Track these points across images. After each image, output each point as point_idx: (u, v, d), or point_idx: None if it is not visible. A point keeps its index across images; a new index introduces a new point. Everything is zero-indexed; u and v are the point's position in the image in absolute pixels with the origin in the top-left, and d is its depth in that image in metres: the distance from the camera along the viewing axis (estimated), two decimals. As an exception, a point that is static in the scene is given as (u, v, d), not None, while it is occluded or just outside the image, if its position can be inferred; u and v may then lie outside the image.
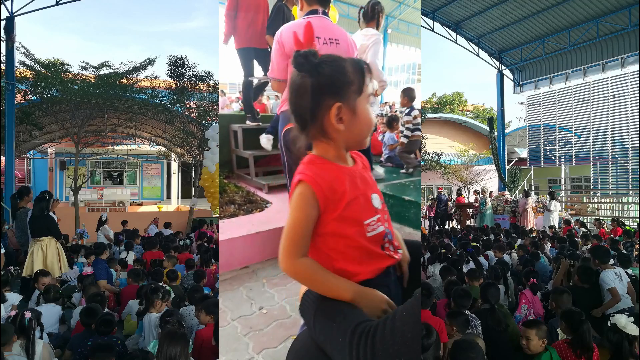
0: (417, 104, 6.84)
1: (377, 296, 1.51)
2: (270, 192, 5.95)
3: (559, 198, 15.31)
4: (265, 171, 6.76)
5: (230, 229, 4.44)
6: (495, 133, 17.60)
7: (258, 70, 6.72)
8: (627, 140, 13.78)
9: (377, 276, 1.61)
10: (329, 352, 1.38)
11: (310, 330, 1.51)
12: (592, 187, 16.75)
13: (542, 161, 16.70)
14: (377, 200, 1.69)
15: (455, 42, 16.89)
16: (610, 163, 14.52)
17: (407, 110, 6.58)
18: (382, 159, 7.51)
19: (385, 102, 12.54)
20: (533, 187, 18.59)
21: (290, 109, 1.61)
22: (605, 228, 10.72)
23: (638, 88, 12.76)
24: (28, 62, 12.09)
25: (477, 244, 7.09)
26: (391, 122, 7.62)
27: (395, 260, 1.69)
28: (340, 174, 1.61)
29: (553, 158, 16.31)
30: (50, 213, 6.19)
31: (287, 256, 1.56)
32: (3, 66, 10.55)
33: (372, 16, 5.05)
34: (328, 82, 1.52)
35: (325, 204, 1.55)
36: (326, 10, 3.68)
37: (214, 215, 11.84)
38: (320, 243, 1.61)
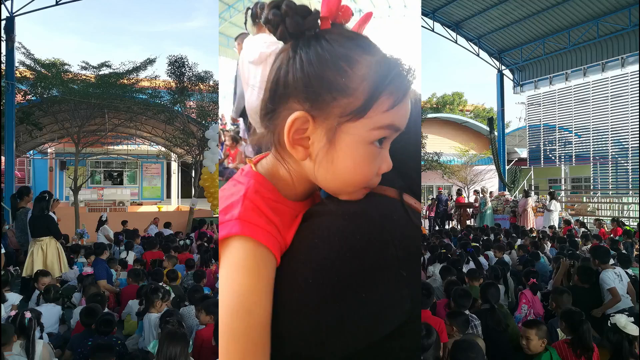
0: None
1: None
2: None
3: (559, 198, 15.30)
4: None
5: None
6: (495, 133, 17.59)
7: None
8: (627, 140, 13.77)
9: None
10: None
11: None
12: (592, 187, 16.75)
13: (542, 161, 16.69)
14: None
15: (455, 42, 16.88)
16: (610, 163, 14.52)
17: None
18: None
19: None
20: (533, 187, 18.56)
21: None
22: (605, 228, 10.70)
23: (638, 88, 12.75)
24: (28, 62, 12.07)
25: (477, 244, 7.08)
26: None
27: None
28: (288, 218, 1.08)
29: (553, 158, 16.30)
30: (50, 213, 6.18)
31: None
32: (3, 66, 10.54)
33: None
34: (301, 75, 0.93)
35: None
36: None
37: (214, 215, 11.85)
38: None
